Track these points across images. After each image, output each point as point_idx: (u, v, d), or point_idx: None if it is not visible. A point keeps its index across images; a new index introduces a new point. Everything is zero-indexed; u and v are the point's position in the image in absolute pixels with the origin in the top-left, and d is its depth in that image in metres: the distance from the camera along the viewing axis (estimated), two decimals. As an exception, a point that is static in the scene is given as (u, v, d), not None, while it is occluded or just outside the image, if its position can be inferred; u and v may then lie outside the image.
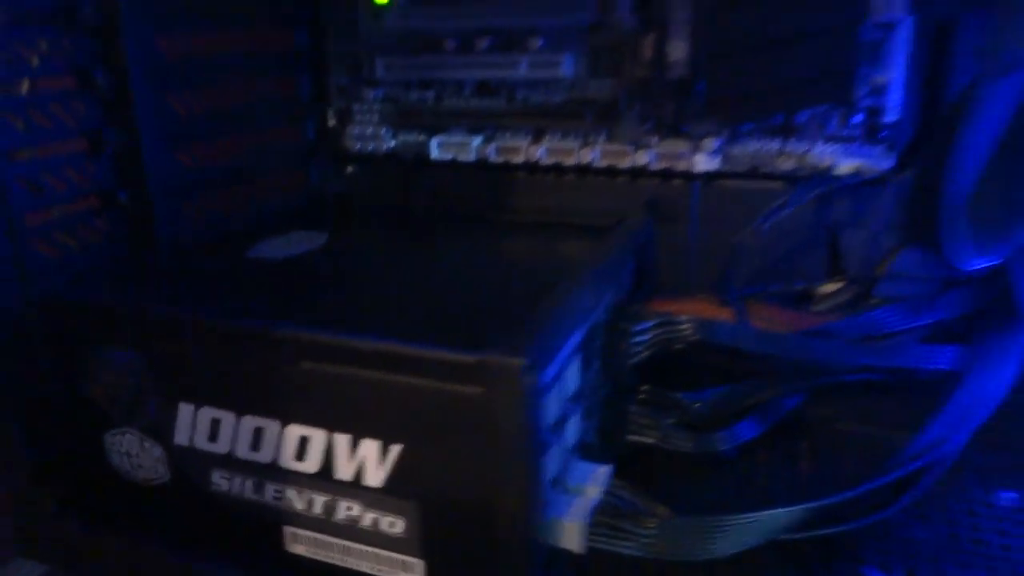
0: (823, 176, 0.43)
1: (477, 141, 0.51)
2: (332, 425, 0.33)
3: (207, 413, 0.36)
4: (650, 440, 0.43)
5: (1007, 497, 0.43)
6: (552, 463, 0.34)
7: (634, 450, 0.43)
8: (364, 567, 0.35)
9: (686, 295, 0.46)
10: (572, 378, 0.37)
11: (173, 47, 0.44)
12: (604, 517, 0.36)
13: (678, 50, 0.43)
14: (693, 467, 0.44)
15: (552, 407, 0.34)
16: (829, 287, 0.46)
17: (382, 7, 0.50)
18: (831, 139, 0.43)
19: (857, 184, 0.42)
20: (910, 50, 0.41)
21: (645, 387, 0.44)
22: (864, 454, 0.43)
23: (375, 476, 0.33)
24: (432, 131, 0.52)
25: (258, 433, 0.35)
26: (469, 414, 0.31)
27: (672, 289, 0.47)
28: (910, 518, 0.41)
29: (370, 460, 0.33)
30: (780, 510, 0.36)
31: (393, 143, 0.53)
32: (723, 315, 0.44)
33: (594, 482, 0.37)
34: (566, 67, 0.46)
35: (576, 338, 0.36)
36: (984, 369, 0.42)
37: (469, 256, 0.42)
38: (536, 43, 0.47)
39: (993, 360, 0.42)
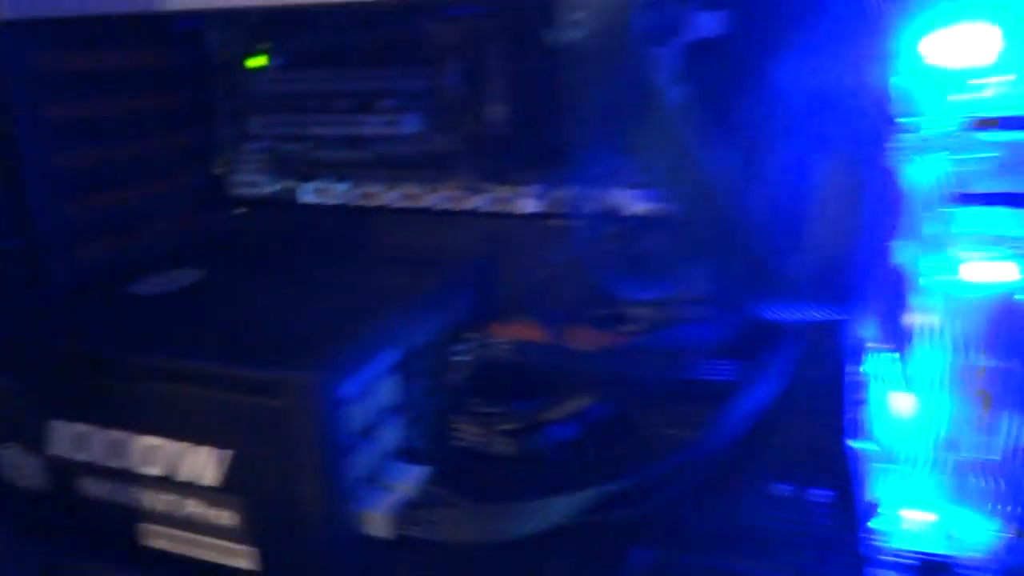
0: (617, 216, 0.50)
1: (343, 187, 0.58)
2: (175, 435, 0.40)
3: (75, 428, 0.42)
4: (477, 445, 0.50)
5: (780, 489, 0.50)
6: (362, 463, 0.41)
7: (465, 454, 0.51)
8: (209, 556, 0.41)
9: (518, 319, 0.53)
10: (388, 392, 0.44)
11: (62, 113, 0.51)
12: (412, 509, 0.42)
13: (497, 112, 0.51)
14: (523, 467, 0.51)
15: (359, 416, 0.41)
16: (637, 310, 0.53)
17: (256, 71, 0.58)
18: (627, 186, 0.51)
19: (645, 222, 0.50)
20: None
21: (474, 399, 0.51)
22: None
23: (212, 478, 0.40)
24: (305, 178, 0.59)
25: (116, 444, 0.41)
26: (277, 423, 0.37)
27: (511, 314, 0.54)
28: (689, 507, 0.48)
29: (207, 464, 0.40)
30: (561, 498, 0.43)
31: (271, 189, 0.60)
32: (540, 336, 0.51)
33: (409, 480, 0.44)
34: (411, 124, 0.54)
35: (390, 358, 0.43)
36: (757, 379, 0.49)
37: (316, 289, 0.49)
38: (386, 104, 0.55)
39: (764, 372, 0.50)
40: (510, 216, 0.55)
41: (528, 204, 0.53)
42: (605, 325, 0.53)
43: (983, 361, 0.34)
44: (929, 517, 0.38)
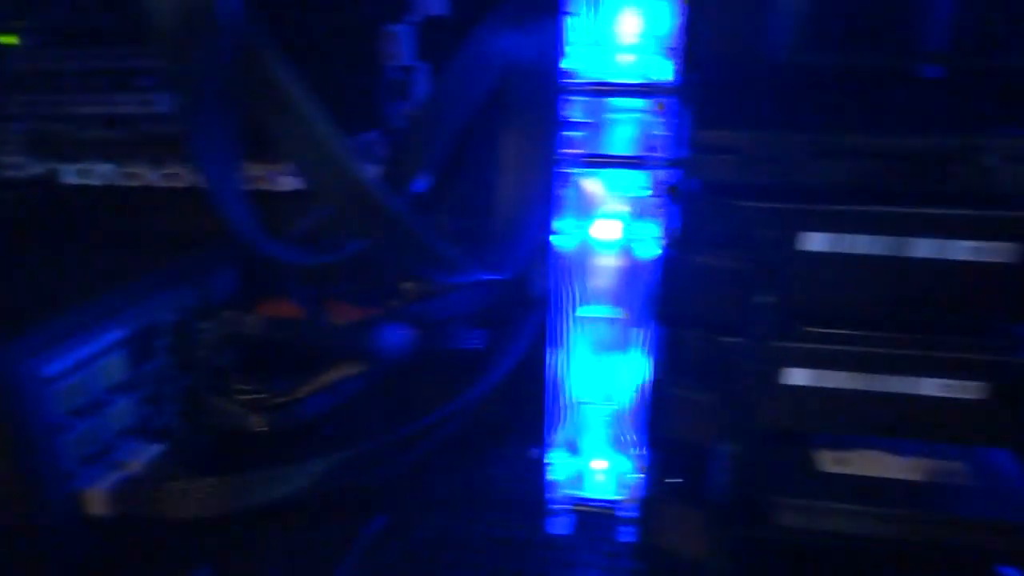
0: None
1: (106, 167, 0.57)
2: None
3: None
4: (231, 422, 0.51)
5: (532, 451, 0.53)
6: (81, 442, 0.41)
7: (217, 432, 0.51)
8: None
9: (282, 298, 0.54)
10: (112, 370, 0.43)
11: None
12: (136, 486, 0.43)
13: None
14: (275, 442, 0.51)
15: (72, 394, 0.40)
16: (406, 285, 0.54)
17: (10, 48, 0.56)
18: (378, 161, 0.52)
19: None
20: (428, 87, 0.51)
21: (230, 376, 0.51)
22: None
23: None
24: (70, 159, 0.58)
25: None
26: (-34, 403, 0.37)
27: (276, 293, 0.55)
28: (437, 472, 0.50)
29: (-94, 449, 0.39)
30: (298, 466, 0.44)
31: (36, 170, 0.59)
32: (300, 313, 0.52)
33: (140, 458, 0.44)
34: (166, 103, 0.53)
35: (113, 335, 0.43)
36: (502, 346, 0.52)
37: (54, 270, 0.48)
38: (142, 83, 0.54)
39: (509, 339, 0.52)
40: (272, 194, 0.55)
41: (287, 182, 0.54)
42: (366, 300, 0.54)
43: (613, 313, 0.36)
44: (602, 465, 0.41)
